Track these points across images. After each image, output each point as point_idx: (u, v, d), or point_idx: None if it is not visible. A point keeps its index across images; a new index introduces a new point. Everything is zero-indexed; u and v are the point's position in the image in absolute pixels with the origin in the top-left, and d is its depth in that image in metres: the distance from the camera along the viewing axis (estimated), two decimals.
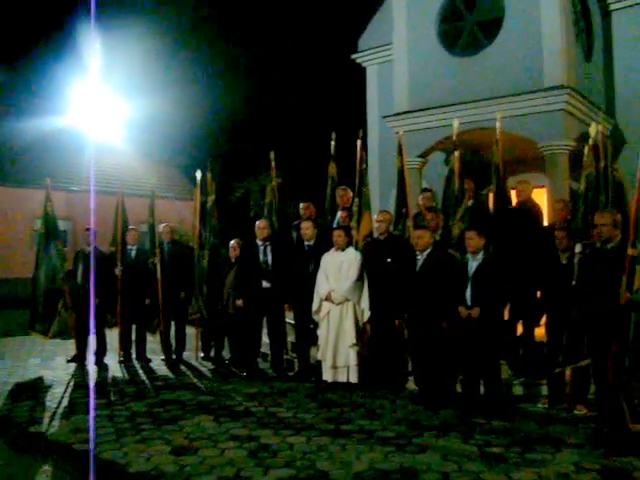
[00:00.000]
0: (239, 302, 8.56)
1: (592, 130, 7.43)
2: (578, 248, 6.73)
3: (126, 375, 8.81)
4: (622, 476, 4.93)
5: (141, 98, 23.15)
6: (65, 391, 7.83)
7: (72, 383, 8.30)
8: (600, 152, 7.36)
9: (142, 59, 23.67)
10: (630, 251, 5.60)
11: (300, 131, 26.57)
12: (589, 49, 12.35)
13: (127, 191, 12.23)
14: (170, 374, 8.84)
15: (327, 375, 7.84)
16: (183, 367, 9.30)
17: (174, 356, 9.66)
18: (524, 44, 10.93)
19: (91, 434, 5.84)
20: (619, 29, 12.91)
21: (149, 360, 9.58)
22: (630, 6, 12.69)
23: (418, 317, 7.12)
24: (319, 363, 8.02)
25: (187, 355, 9.85)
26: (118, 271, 9.42)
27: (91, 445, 5.59)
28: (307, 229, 8.49)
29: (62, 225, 14.31)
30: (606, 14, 12.95)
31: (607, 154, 7.37)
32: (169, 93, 24.62)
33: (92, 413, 6.52)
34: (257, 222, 8.87)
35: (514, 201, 8.56)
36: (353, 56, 16.58)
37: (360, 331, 7.82)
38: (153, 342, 9.88)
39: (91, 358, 9.29)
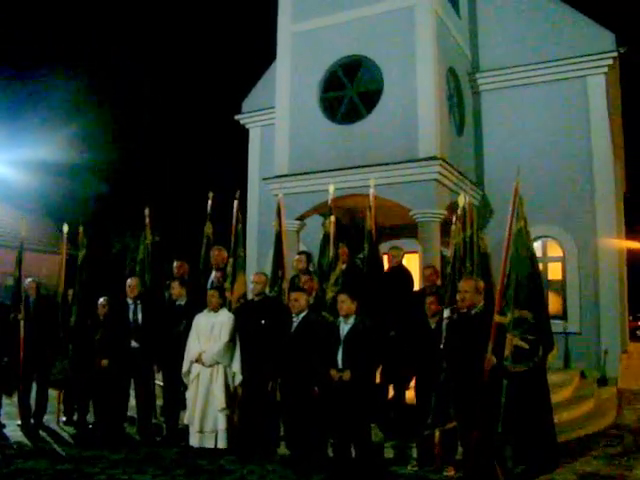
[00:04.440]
0: (104, 362, 8.19)
1: (460, 200, 7.80)
2: (446, 313, 6.97)
3: None
4: None
5: (14, 145, 22.27)
6: None
7: None
8: (467, 221, 7.71)
9: (14, 107, 22.86)
10: (497, 318, 5.82)
11: (180, 189, 26.36)
12: (461, 124, 13.09)
13: None
14: (26, 440, 8.22)
15: (194, 440, 7.57)
16: (42, 433, 8.69)
17: (33, 420, 9.00)
18: (401, 116, 11.41)
19: None
20: (487, 107, 13.81)
21: (3, 426, 8.86)
22: (497, 89, 13.64)
23: (290, 379, 7.06)
24: (188, 427, 7.75)
25: (48, 419, 9.20)
26: None
27: None
28: (174, 288, 8.42)
29: None
30: (476, 93, 13.84)
31: (474, 223, 7.73)
32: (46, 140, 23.84)
33: None
34: (128, 280, 8.61)
35: (386, 266, 8.78)
36: (237, 117, 16.74)
37: (231, 395, 7.66)
38: (9, 405, 9.21)
39: None
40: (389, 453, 7.39)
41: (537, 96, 13.20)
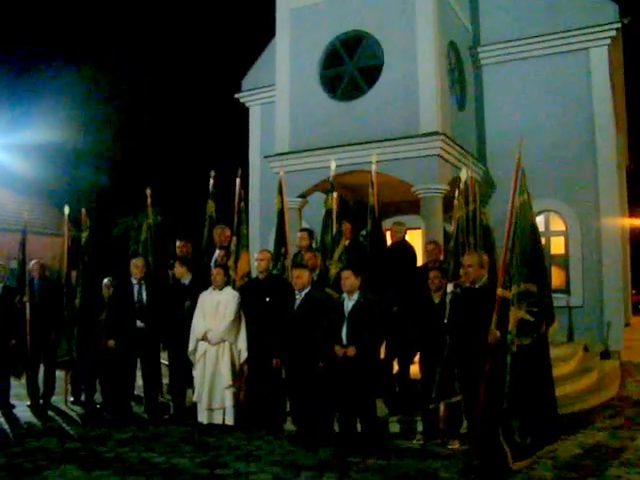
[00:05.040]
0: (111, 342, 8.23)
1: (462, 174, 7.79)
2: (450, 287, 6.99)
3: None
4: None
5: (16, 129, 22.22)
6: None
7: None
8: (470, 196, 7.71)
9: (16, 92, 22.77)
10: (500, 292, 5.82)
11: (182, 169, 26.31)
12: (463, 98, 13.03)
13: None
14: (36, 420, 8.30)
15: (202, 417, 7.66)
16: (51, 413, 8.76)
17: (41, 401, 9.10)
18: (402, 92, 11.36)
19: None
20: (489, 81, 13.73)
21: (13, 406, 8.97)
22: (498, 62, 13.55)
23: (295, 356, 7.10)
24: (195, 405, 7.82)
25: (56, 399, 9.28)
26: None
27: None
28: (177, 268, 8.47)
29: None
30: (478, 67, 13.75)
31: (476, 198, 7.73)
32: (47, 123, 23.78)
33: None
34: (132, 260, 8.63)
35: (389, 242, 8.79)
36: (237, 95, 16.66)
37: (237, 372, 7.72)
38: (18, 386, 9.29)
39: None
40: (394, 427, 7.45)
41: (539, 69, 13.11)
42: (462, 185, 7.77)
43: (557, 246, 13.07)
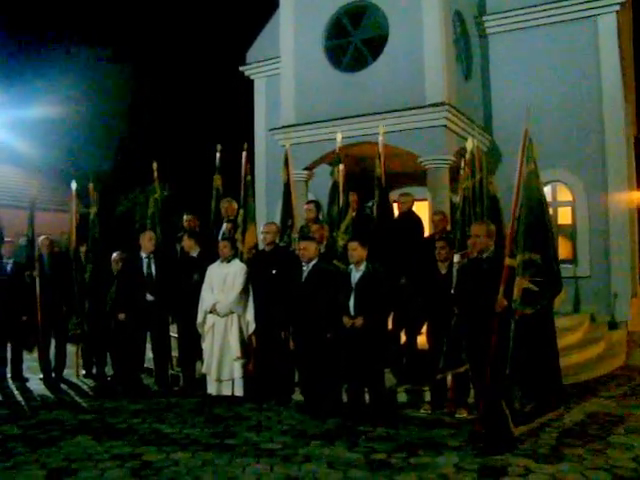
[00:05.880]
0: (121, 316, 8.31)
1: (468, 144, 7.76)
2: (457, 258, 7.01)
3: None
4: (498, 473, 5.16)
5: (21, 104, 22.17)
6: None
7: None
8: (476, 166, 7.69)
9: (19, 65, 22.67)
10: (508, 261, 5.83)
11: (186, 143, 26.24)
12: (468, 69, 12.91)
13: (4, 202, 11.63)
14: (49, 393, 8.43)
15: (212, 389, 7.77)
16: (63, 385, 8.90)
17: (53, 374, 9.22)
18: (407, 62, 11.27)
19: None
20: (495, 51, 13.60)
21: (26, 379, 9.11)
22: (505, 31, 13.40)
23: (303, 328, 7.16)
24: (204, 377, 7.91)
25: (68, 373, 9.42)
26: None
27: None
28: (185, 241, 8.54)
29: None
30: (483, 37, 13.61)
31: (483, 168, 7.71)
32: (52, 99, 23.71)
33: None
34: (142, 234, 8.66)
35: (396, 213, 8.80)
36: (241, 68, 16.56)
37: (245, 343, 7.79)
38: (30, 360, 9.43)
39: None
40: (402, 397, 7.54)
41: (546, 38, 12.95)
42: (468, 155, 7.75)
43: (564, 216, 13.04)
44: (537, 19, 12.98)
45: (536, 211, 5.97)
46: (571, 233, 12.83)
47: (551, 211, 11.89)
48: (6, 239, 9.45)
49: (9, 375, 9.18)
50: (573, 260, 12.63)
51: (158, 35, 29.55)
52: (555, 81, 12.79)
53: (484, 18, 13.45)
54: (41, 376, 9.21)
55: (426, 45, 11.15)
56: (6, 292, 8.99)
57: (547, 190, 12.38)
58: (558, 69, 12.79)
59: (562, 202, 12.99)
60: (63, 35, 28.11)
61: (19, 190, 22.05)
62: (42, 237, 9.53)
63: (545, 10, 12.82)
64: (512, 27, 13.30)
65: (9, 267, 9.24)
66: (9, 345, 9.22)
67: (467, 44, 12.93)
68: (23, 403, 7.91)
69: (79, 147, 26.42)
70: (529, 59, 13.09)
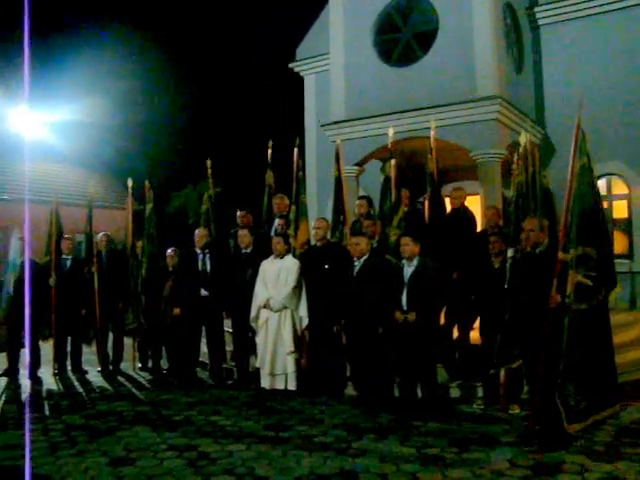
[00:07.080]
0: (177, 311, 8.49)
1: (522, 138, 7.67)
2: (510, 253, 6.94)
3: (61, 388, 8.60)
4: (553, 470, 5.09)
5: (77, 104, 22.68)
6: None
7: (3, 398, 8.05)
8: (529, 160, 7.59)
9: (76, 65, 23.18)
10: (561, 255, 5.76)
11: (238, 139, 26.51)
12: (520, 61, 12.75)
13: (63, 200, 11.96)
14: (107, 385, 8.67)
15: (265, 382, 7.86)
16: (120, 378, 9.14)
17: (111, 367, 9.50)
18: (458, 56, 11.20)
19: (26, 449, 5.68)
20: (547, 43, 13.38)
21: (85, 372, 9.40)
22: (556, 22, 13.18)
23: (355, 322, 7.20)
24: (258, 371, 8.02)
25: (124, 366, 9.67)
26: (52, 281, 9.19)
27: (25, 461, 5.43)
28: (244, 237, 8.54)
29: None
30: (535, 28, 13.41)
31: (535, 161, 7.61)
32: (107, 100, 24.22)
33: (27, 427, 6.35)
34: (196, 230, 8.83)
35: (448, 208, 8.76)
36: (291, 65, 16.67)
37: (298, 338, 7.87)
38: (89, 353, 9.71)
39: (24, 371, 9.06)
40: (455, 393, 7.51)
41: (599, 28, 12.70)
42: (521, 149, 7.65)
43: (620, 210, 12.77)
44: (590, 8, 12.75)
45: (589, 205, 5.89)
46: (627, 227, 12.56)
47: (606, 205, 11.67)
48: (65, 236, 9.71)
49: (69, 367, 9.48)
50: (629, 255, 12.36)
51: (210, 35, 29.92)
52: (609, 71, 12.52)
53: (535, 9, 13.26)
54: (99, 368, 9.49)
55: (476, 38, 11.06)
56: (65, 287, 9.25)
57: (602, 183, 12.16)
58: (612, 59, 12.52)
59: (617, 195, 12.73)
60: (121, 36, 28.66)
61: (77, 188, 22.67)
62: (101, 234, 9.78)
63: None
64: (564, 17, 13.10)
65: (68, 263, 9.52)
66: (69, 339, 9.50)
67: (518, 36, 12.76)
68: (83, 394, 8.16)
69: (133, 145, 26.93)
70: (582, 50, 12.85)
